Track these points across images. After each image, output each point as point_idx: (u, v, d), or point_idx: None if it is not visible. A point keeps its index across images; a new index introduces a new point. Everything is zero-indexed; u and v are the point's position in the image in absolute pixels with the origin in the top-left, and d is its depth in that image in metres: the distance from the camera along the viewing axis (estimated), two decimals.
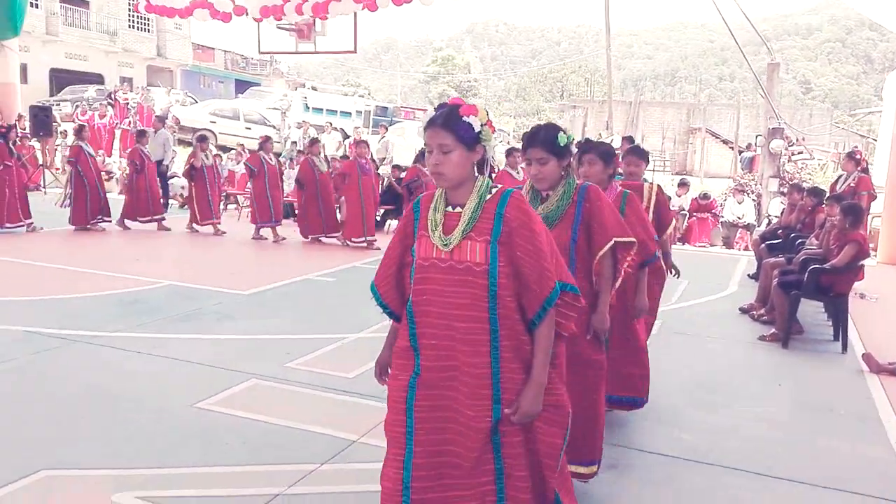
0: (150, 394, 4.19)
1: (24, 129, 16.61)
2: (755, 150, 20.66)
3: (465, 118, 2.06)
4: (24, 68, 27.73)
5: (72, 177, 10.95)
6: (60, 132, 18.22)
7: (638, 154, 4.69)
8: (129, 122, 19.36)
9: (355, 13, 11.30)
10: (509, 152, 11.11)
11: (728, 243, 14.25)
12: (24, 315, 5.75)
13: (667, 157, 31.42)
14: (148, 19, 35.44)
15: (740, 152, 24.00)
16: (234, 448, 3.49)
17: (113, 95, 24.50)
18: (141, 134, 12.23)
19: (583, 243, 2.91)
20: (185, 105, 25.68)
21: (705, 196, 14.89)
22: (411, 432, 2.08)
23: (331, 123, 23.17)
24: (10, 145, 10.54)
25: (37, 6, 28.94)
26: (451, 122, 2.07)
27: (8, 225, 10.33)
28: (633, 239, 2.97)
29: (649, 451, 3.72)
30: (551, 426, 2.18)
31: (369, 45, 62.21)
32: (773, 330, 6.26)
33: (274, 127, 22.86)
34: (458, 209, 2.11)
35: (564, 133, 2.81)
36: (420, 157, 11.62)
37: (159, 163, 13.07)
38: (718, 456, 3.68)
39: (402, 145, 20.41)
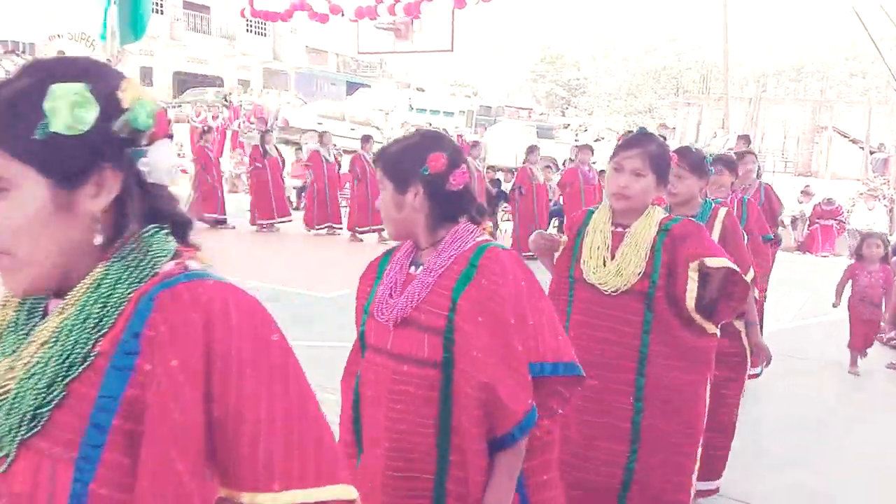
0: None
1: None
2: (887, 151, 18.94)
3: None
4: (149, 72, 29.41)
5: (307, 181, 11.66)
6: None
7: (631, 144, 2.32)
8: (239, 124, 20.00)
9: (453, 12, 11.11)
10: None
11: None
12: None
13: (789, 157, 29.46)
14: (264, 24, 36.80)
15: (871, 153, 22.10)
16: None
17: (227, 98, 25.48)
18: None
19: None
20: (295, 107, 26.38)
21: (829, 201, 13.67)
22: None
23: (430, 124, 23.18)
24: (265, 146, 11.50)
25: (161, 12, 30.56)
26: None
27: (260, 221, 11.23)
28: None
29: (751, 501, 3.21)
30: None
31: (478, 43, 62.20)
32: None
33: (377, 128, 23.07)
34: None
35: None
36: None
37: None
38: None
39: (501, 145, 20.10)
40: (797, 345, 5.92)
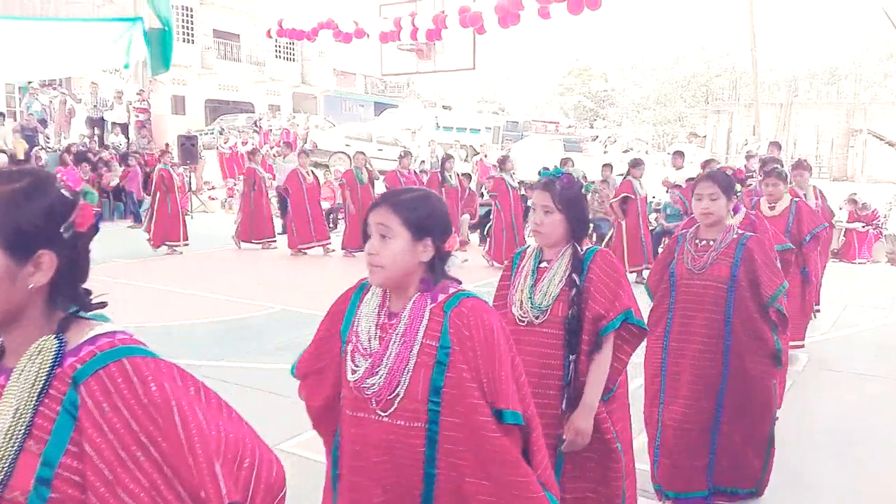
0: None
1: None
2: None
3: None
4: (181, 100, 29.98)
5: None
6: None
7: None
8: (268, 149, 20.26)
9: (473, 32, 11.18)
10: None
11: (893, 260, 12.66)
12: None
13: (823, 162, 28.88)
14: (293, 49, 37.33)
15: None
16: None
17: (257, 123, 25.84)
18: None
19: None
20: (324, 129, 26.67)
21: (865, 206, 13.30)
22: None
23: (458, 141, 23.31)
24: (445, 173, 11.11)
25: (192, 42, 31.20)
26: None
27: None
28: None
29: None
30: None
31: (504, 59, 62.30)
32: None
33: (405, 147, 23.22)
34: None
35: None
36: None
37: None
38: None
39: (527, 160, 19.99)
40: (833, 356, 5.75)
